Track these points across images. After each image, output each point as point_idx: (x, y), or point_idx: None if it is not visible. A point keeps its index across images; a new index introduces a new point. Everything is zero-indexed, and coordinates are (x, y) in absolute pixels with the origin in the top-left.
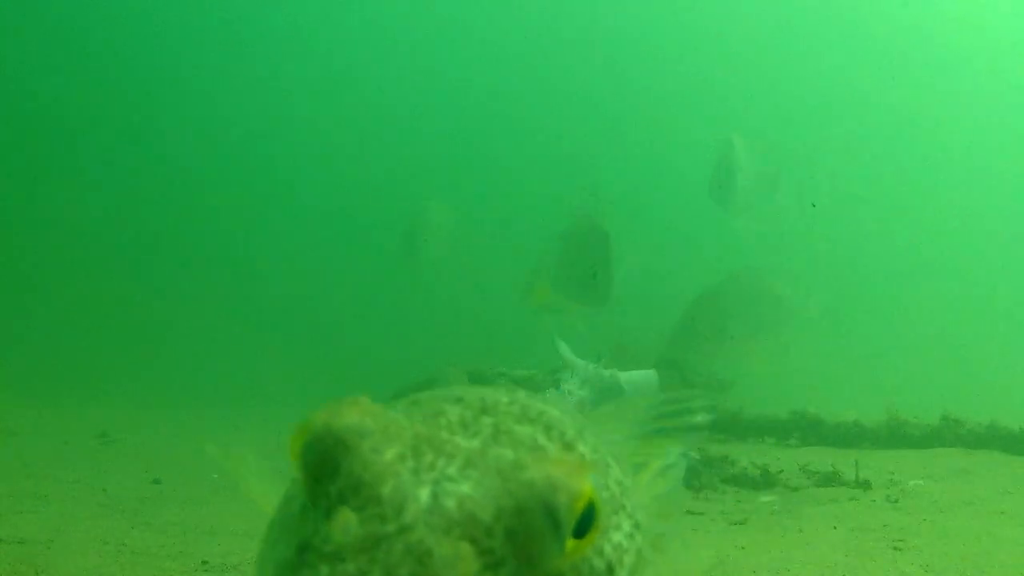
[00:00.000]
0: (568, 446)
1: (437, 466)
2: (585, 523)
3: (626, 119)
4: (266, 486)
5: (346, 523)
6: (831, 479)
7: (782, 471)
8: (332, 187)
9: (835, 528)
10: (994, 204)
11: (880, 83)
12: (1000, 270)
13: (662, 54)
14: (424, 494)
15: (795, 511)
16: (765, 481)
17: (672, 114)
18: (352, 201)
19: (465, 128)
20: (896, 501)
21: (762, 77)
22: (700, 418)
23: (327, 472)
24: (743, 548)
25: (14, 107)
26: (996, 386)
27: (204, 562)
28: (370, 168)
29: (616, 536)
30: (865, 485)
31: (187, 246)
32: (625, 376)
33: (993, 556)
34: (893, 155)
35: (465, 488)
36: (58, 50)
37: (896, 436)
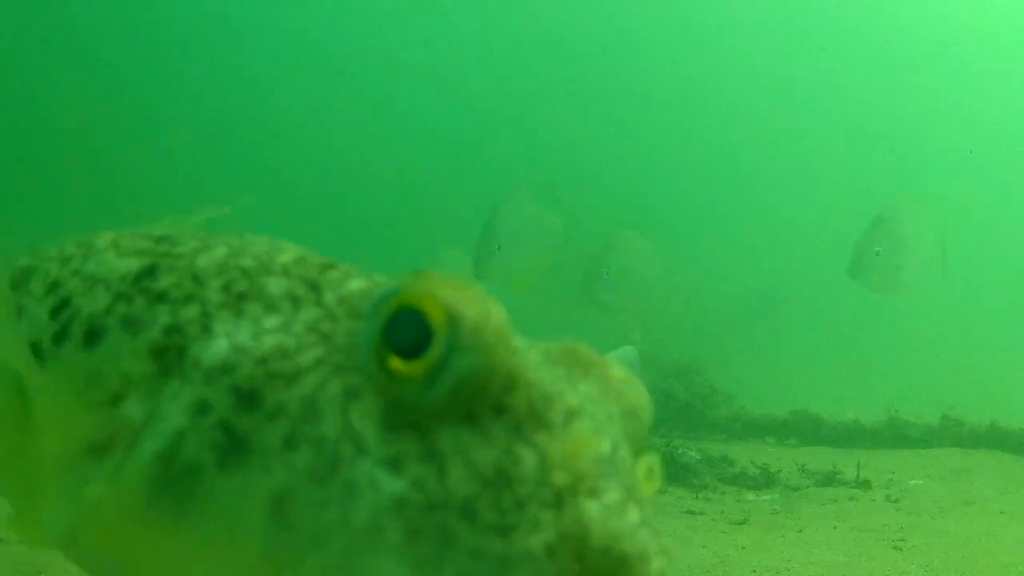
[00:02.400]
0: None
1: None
2: None
3: (625, 119)
4: None
5: (592, 442)
6: (831, 479)
7: (782, 471)
8: (333, 187)
9: (835, 528)
10: (994, 204)
11: (881, 83)
12: (1000, 270)
13: (661, 55)
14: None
15: (795, 511)
16: (765, 481)
17: (673, 114)
18: (352, 202)
19: (465, 129)
20: (896, 501)
21: (761, 77)
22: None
23: (494, 387)
24: (743, 548)
25: (13, 107)
26: (996, 386)
27: None
28: (370, 168)
29: None
30: (865, 485)
31: None
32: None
33: (993, 556)
34: (893, 154)
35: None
36: (58, 50)
37: (896, 436)
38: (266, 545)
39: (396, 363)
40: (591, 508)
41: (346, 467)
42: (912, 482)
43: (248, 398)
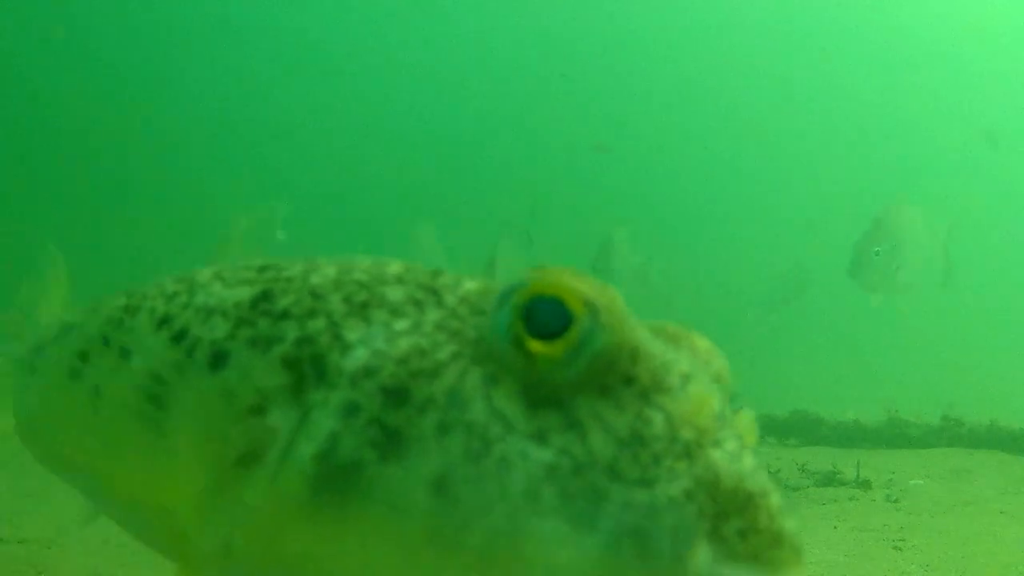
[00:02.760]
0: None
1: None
2: None
3: (623, 121)
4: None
5: (708, 400)
6: (831, 479)
7: (782, 471)
8: (332, 187)
9: (835, 528)
10: (994, 204)
11: (881, 82)
12: (1000, 270)
13: (661, 55)
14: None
15: (795, 511)
16: None
17: (672, 114)
18: (353, 202)
19: (462, 129)
20: (896, 501)
21: (761, 77)
22: None
23: (626, 361)
24: None
25: (14, 107)
26: (996, 386)
27: None
28: (371, 169)
29: None
30: (865, 485)
31: (187, 246)
32: None
33: (993, 556)
34: (892, 154)
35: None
36: (59, 50)
37: (896, 436)
38: (433, 522)
39: (536, 345)
40: (717, 456)
41: (498, 444)
42: (912, 482)
43: (396, 395)
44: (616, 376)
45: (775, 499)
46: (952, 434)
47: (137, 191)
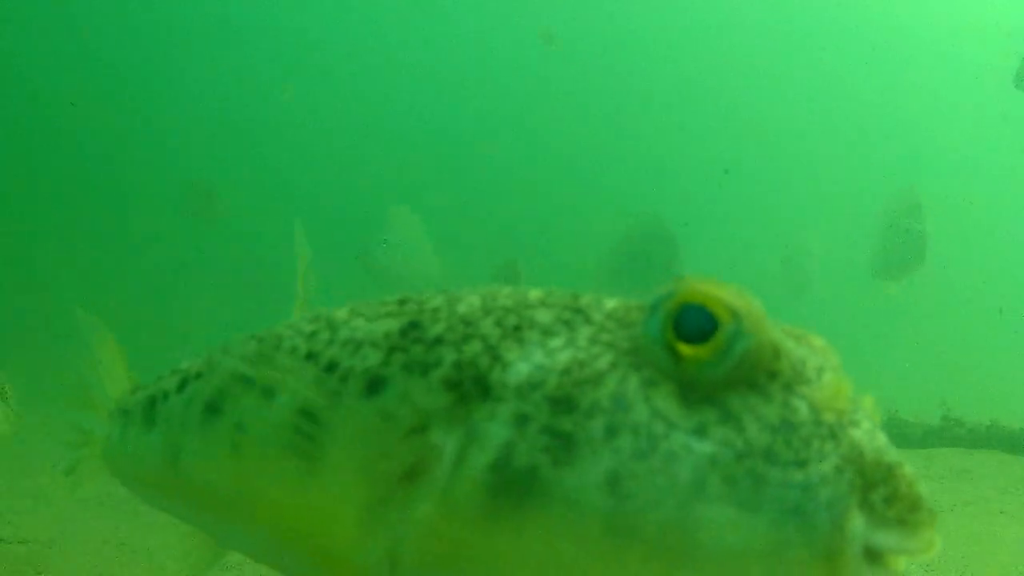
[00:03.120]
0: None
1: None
2: None
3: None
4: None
5: (842, 386)
6: None
7: None
8: (332, 187)
9: None
10: (993, 203)
11: (880, 82)
12: (1000, 270)
13: (661, 54)
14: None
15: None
16: None
17: (672, 114)
18: (353, 203)
19: (462, 129)
20: None
21: (761, 76)
22: None
23: (767, 360)
24: None
25: (13, 107)
26: (996, 386)
27: None
28: (371, 169)
29: None
30: None
31: (187, 246)
32: None
33: (993, 556)
34: (892, 154)
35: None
36: (59, 51)
37: (896, 436)
38: (609, 517)
39: (685, 348)
40: (857, 434)
41: (662, 441)
42: None
43: (563, 403)
44: (762, 372)
45: (909, 469)
46: (952, 434)
47: (137, 191)
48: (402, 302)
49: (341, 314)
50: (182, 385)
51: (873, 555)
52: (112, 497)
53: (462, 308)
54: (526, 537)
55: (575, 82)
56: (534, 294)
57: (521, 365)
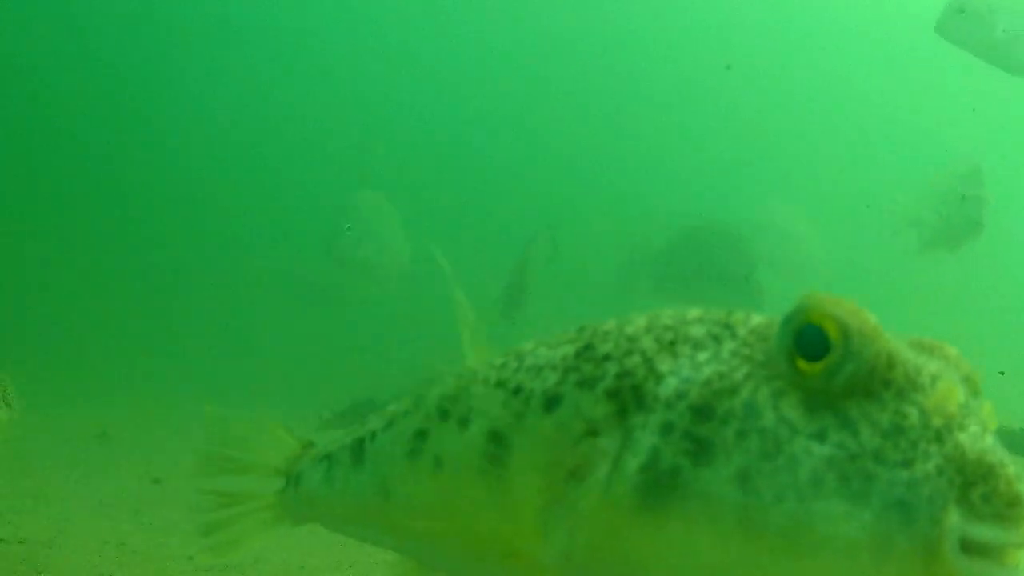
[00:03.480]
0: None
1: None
2: None
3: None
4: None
5: (953, 393)
6: None
7: None
8: (333, 188)
9: None
10: (993, 203)
11: (880, 80)
12: (1000, 270)
13: (661, 54)
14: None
15: None
16: None
17: (672, 113)
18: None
19: (461, 127)
20: None
21: (761, 76)
22: None
23: (880, 369)
24: None
25: (14, 107)
26: (996, 386)
27: (204, 561)
28: (371, 169)
29: None
30: None
31: (187, 246)
32: None
33: None
34: (892, 153)
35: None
36: (60, 52)
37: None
38: (740, 511)
39: (804, 364)
40: (962, 437)
41: (787, 444)
42: None
43: (702, 411)
44: (876, 381)
45: (1011, 469)
46: None
47: (138, 191)
48: (580, 329)
49: (527, 346)
50: (389, 424)
51: (975, 548)
52: (112, 497)
53: (629, 328)
54: (670, 529)
55: (577, 81)
56: (693, 312)
57: (671, 378)
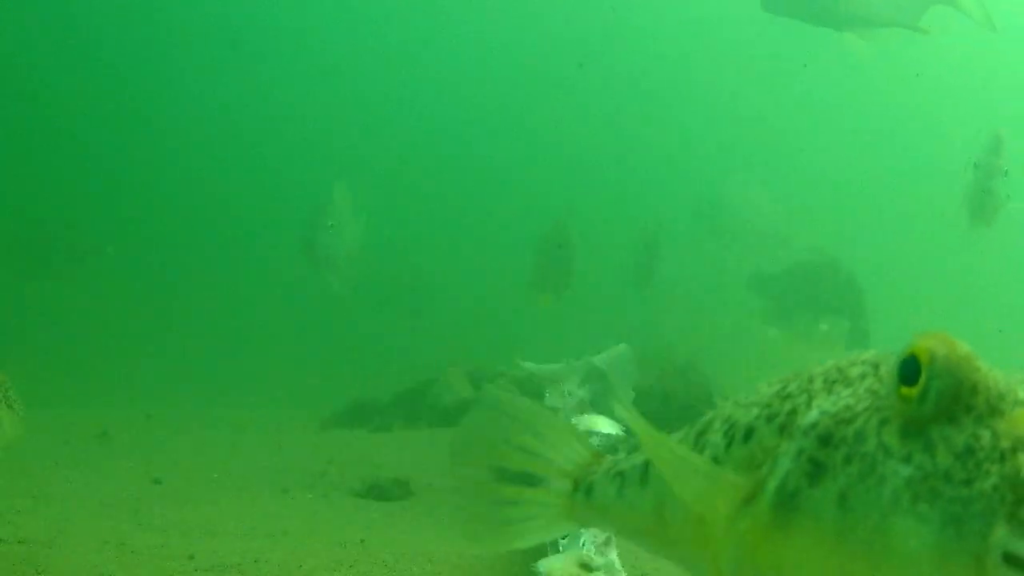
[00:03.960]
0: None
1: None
2: None
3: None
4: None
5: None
6: None
7: None
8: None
9: None
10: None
11: (880, 80)
12: (1000, 269)
13: (661, 53)
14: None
15: None
16: None
17: (671, 113)
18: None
19: (461, 125)
20: None
21: (760, 75)
22: None
23: (964, 394)
24: None
25: (14, 106)
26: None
27: (204, 561)
28: (372, 168)
29: None
30: None
31: (187, 246)
32: (599, 358)
33: None
34: (892, 153)
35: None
36: (61, 52)
37: None
38: (837, 525)
39: (904, 391)
40: (1022, 457)
41: (880, 466)
42: None
43: (825, 439)
44: (960, 406)
45: None
46: None
47: (138, 191)
48: (792, 374)
49: (762, 386)
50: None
51: (1018, 563)
52: (112, 497)
53: (815, 371)
54: (792, 545)
55: (575, 81)
56: (868, 354)
57: (814, 411)
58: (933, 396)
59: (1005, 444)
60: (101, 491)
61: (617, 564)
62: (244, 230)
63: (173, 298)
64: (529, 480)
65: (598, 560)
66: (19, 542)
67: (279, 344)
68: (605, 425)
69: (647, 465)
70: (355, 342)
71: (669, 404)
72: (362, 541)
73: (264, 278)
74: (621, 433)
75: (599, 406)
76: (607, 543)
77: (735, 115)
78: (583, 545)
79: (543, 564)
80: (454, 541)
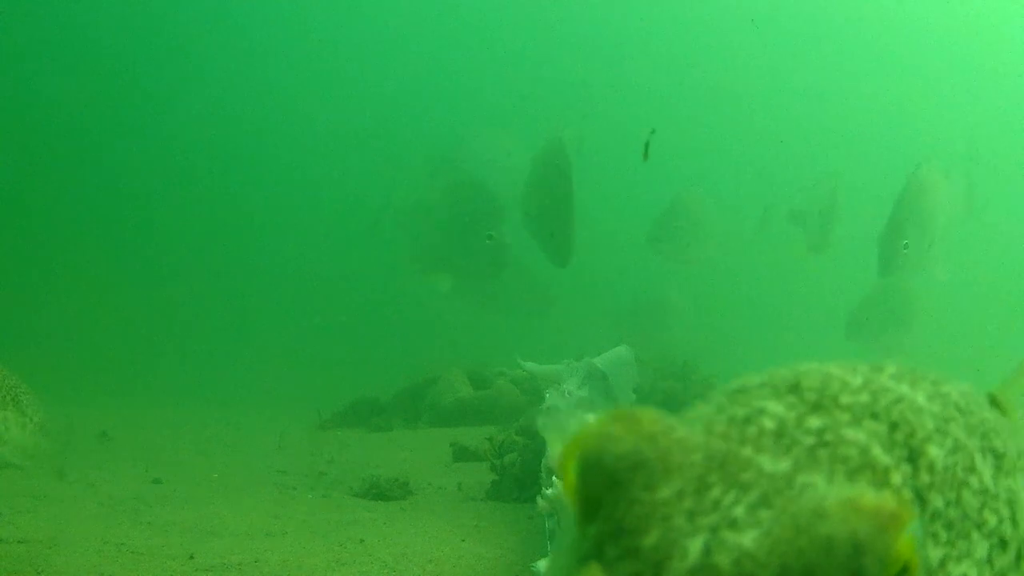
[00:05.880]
0: (912, 455)
1: (722, 505)
2: None
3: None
4: None
5: None
6: None
7: None
8: (332, 187)
9: None
10: (993, 203)
11: (879, 80)
12: (1000, 269)
13: (662, 53)
14: (695, 546)
15: None
16: None
17: (672, 112)
18: (353, 201)
19: (460, 124)
20: None
21: (760, 74)
22: None
23: (592, 510)
24: None
25: (15, 106)
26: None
27: (204, 561)
28: (371, 167)
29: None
30: None
31: (187, 245)
32: (599, 359)
33: None
34: (891, 153)
35: (747, 541)
36: (62, 52)
37: None
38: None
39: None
40: None
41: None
42: None
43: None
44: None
45: None
46: None
47: (138, 191)
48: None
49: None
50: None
51: None
52: (112, 497)
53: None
54: None
55: (575, 80)
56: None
57: None
58: (573, 499)
59: None
60: (101, 491)
61: None
62: (244, 230)
63: (174, 299)
64: None
65: None
66: (19, 542)
67: (279, 344)
68: None
69: None
70: (355, 341)
71: (669, 404)
72: (362, 541)
73: (264, 278)
74: None
75: (599, 406)
76: None
77: (735, 115)
78: None
79: (543, 564)
80: (454, 541)
